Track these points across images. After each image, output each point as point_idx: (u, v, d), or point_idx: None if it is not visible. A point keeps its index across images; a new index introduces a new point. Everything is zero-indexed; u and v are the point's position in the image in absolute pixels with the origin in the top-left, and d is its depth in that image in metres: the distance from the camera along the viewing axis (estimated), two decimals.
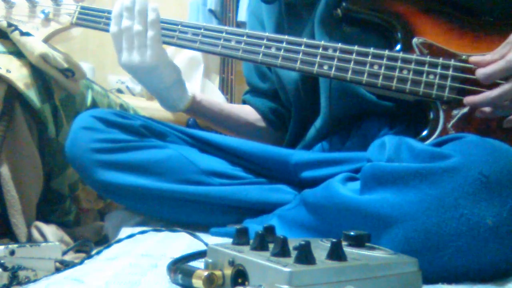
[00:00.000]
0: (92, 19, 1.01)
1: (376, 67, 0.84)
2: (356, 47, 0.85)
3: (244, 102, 1.19)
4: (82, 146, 0.89)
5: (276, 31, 0.90)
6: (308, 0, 0.97)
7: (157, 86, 0.97)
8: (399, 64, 0.83)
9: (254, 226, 0.78)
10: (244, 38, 0.92)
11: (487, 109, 0.78)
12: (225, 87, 2.20)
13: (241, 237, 0.48)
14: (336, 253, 0.42)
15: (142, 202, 0.91)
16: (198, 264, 0.52)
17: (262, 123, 1.15)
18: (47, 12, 1.05)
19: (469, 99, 0.78)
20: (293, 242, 0.43)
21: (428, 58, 0.82)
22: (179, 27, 0.96)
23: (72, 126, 0.92)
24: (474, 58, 0.79)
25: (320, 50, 0.87)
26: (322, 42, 0.87)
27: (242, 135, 1.09)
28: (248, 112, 1.14)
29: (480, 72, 0.77)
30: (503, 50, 0.76)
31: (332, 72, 0.86)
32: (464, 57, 0.82)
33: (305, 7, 0.98)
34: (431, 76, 0.82)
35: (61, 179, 1.09)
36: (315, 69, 0.87)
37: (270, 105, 1.13)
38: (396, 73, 0.83)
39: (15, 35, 1.01)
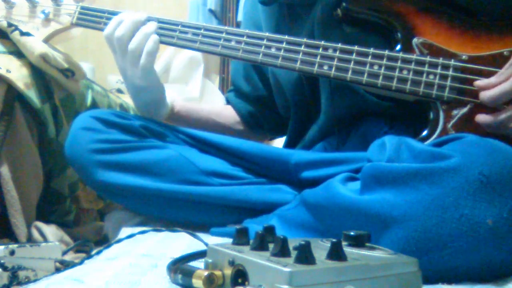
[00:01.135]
0: (92, 19, 1.01)
1: (376, 67, 0.84)
2: (356, 47, 0.85)
3: (227, 99, 1.21)
4: (81, 146, 0.89)
5: (274, 32, 0.90)
6: (306, 1, 0.97)
7: (138, 98, 1.01)
8: (399, 64, 0.83)
9: (254, 226, 0.78)
10: (244, 38, 0.92)
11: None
12: (225, 87, 2.20)
13: (241, 237, 0.48)
14: (336, 253, 0.42)
15: (142, 203, 0.91)
16: (198, 264, 0.52)
17: (240, 126, 1.16)
18: (47, 12, 1.05)
19: (480, 117, 0.78)
20: (293, 242, 0.43)
21: (428, 58, 0.82)
22: (179, 27, 0.96)
23: (71, 126, 0.92)
24: (479, 83, 0.78)
25: (320, 50, 0.87)
26: (322, 42, 0.87)
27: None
28: (227, 115, 1.16)
29: (486, 96, 0.76)
30: (507, 72, 0.76)
31: (332, 72, 0.86)
32: (464, 57, 0.82)
33: (303, 7, 0.98)
34: (431, 76, 0.82)
35: (61, 179, 1.09)
36: (315, 69, 0.87)
37: (250, 109, 1.14)
38: (396, 73, 0.83)
39: (15, 35, 1.01)
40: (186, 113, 1.08)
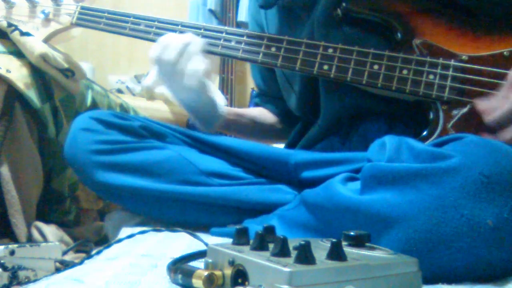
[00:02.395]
0: (92, 19, 1.01)
1: (376, 67, 0.84)
2: (356, 48, 0.85)
3: (256, 104, 1.22)
4: (81, 147, 0.89)
5: (277, 34, 0.91)
6: (306, 2, 0.97)
7: (193, 114, 1.03)
8: (399, 64, 0.83)
9: (254, 226, 0.78)
10: (244, 38, 0.92)
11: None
12: (225, 87, 2.20)
13: (241, 237, 0.48)
14: (336, 253, 0.42)
15: (142, 203, 0.91)
16: (198, 264, 0.52)
17: (280, 125, 1.18)
18: (47, 12, 1.05)
19: (490, 118, 0.78)
20: (293, 242, 0.43)
21: (428, 59, 0.82)
22: (179, 27, 0.96)
23: (71, 127, 0.92)
24: (480, 106, 0.79)
25: (320, 50, 0.87)
26: (322, 42, 0.87)
27: (266, 140, 1.14)
28: (267, 116, 1.18)
29: (490, 120, 0.77)
30: (506, 93, 0.76)
31: (332, 72, 0.86)
32: (464, 57, 0.82)
33: (303, 9, 0.98)
34: (431, 77, 0.82)
35: (61, 179, 1.09)
36: (315, 69, 0.87)
37: (280, 108, 1.16)
38: (396, 74, 0.83)
39: (15, 35, 1.01)
40: (237, 119, 1.11)
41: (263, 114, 1.18)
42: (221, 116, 1.05)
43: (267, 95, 1.18)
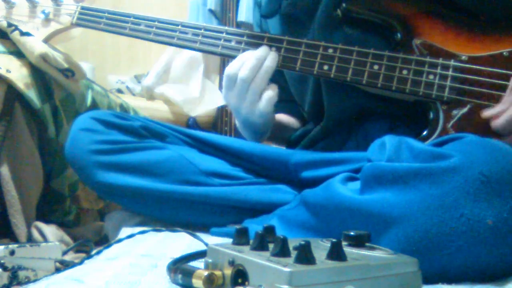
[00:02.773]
0: (92, 19, 1.01)
1: (376, 67, 0.84)
2: (356, 48, 0.85)
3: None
4: (81, 147, 0.89)
5: None
6: (308, 8, 0.97)
7: (246, 129, 1.00)
8: (399, 64, 0.83)
9: (254, 226, 0.78)
10: (244, 38, 0.92)
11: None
12: None
13: (241, 237, 0.48)
14: (336, 253, 0.42)
15: (142, 203, 0.91)
16: (198, 264, 0.52)
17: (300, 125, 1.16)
18: (47, 12, 1.05)
19: (495, 124, 0.78)
20: (293, 242, 0.43)
21: (428, 59, 0.82)
22: (179, 27, 0.96)
23: (71, 128, 0.92)
24: (486, 113, 0.79)
25: (320, 51, 0.87)
26: (322, 43, 0.87)
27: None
28: (292, 120, 1.16)
29: (496, 125, 0.77)
30: (510, 98, 0.77)
31: (332, 72, 0.86)
32: (464, 57, 0.82)
33: (305, 15, 0.98)
34: (431, 77, 0.82)
35: (61, 179, 1.09)
36: (315, 69, 0.87)
37: (296, 109, 1.13)
38: (396, 74, 0.83)
39: (15, 35, 1.01)
40: (276, 128, 1.08)
41: (291, 118, 1.15)
42: (270, 130, 1.03)
43: (284, 99, 1.16)
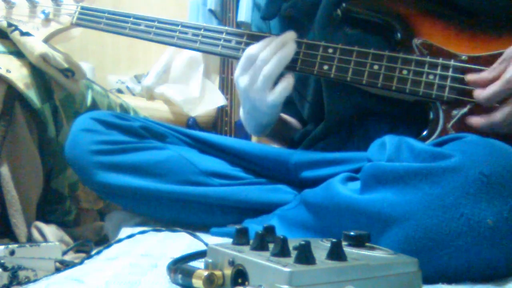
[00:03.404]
0: (92, 19, 1.01)
1: (376, 67, 0.84)
2: (356, 48, 0.85)
3: None
4: (81, 148, 0.89)
5: None
6: (307, 9, 0.97)
7: (252, 121, 0.97)
8: (399, 64, 0.83)
9: (254, 226, 0.78)
10: (244, 38, 0.92)
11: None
12: (225, 87, 2.20)
13: (241, 237, 0.48)
14: (336, 253, 0.42)
15: (142, 204, 0.91)
16: (198, 264, 0.52)
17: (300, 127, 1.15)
18: (47, 12, 1.05)
19: (485, 93, 0.76)
20: (293, 242, 0.43)
21: (428, 59, 0.82)
22: (179, 27, 0.96)
23: (71, 128, 0.92)
24: (470, 77, 0.78)
25: (320, 51, 0.87)
26: (322, 43, 0.87)
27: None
28: (294, 120, 1.15)
29: (481, 96, 0.76)
30: (500, 67, 0.75)
31: (332, 72, 0.86)
32: (463, 57, 0.82)
33: (305, 17, 0.98)
34: (431, 77, 0.82)
35: (61, 179, 1.09)
36: (316, 69, 0.87)
37: (297, 112, 1.12)
38: (396, 74, 0.83)
39: (15, 35, 1.01)
40: (279, 125, 1.06)
41: (289, 118, 1.14)
42: (276, 120, 1.00)
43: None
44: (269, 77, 0.85)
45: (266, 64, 0.85)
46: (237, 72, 0.90)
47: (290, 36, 0.88)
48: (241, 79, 0.89)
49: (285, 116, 1.11)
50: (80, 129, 0.90)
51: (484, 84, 0.76)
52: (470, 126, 0.78)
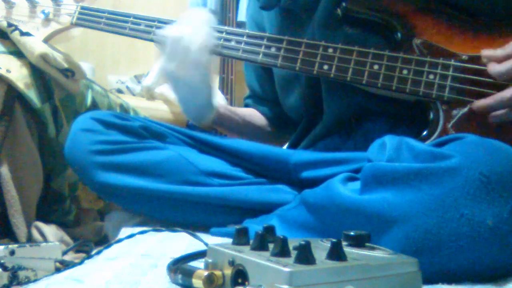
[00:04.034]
0: (92, 19, 1.01)
1: (376, 67, 0.84)
2: (356, 47, 0.85)
3: (246, 105, 1.20)
4: (81, 148, 0.89)
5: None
6: (307, 3, 0.97)
7: (187, 102, 0.99)
8: (399, 64, 0.83)
9: (254, 226, 0.78)
10: (244, 38, 0.92)
11: (501, 112, 0.77)
12: (225, 87, 2.20)
13: (241, 237, 0.48)
14: (336, 253, 0.42)
15: (142, 204, 0.91)
16: (198, 264, 0.52)
17: (269, 128, 1.17)
18: (47, 12, 1.05)
19: (479, 103, 0.78)
20: (293, 242, 0.43)
21: (428, 58, 0.82)
22: None
23: (71, 128, 0.92)
24: (486, 52, 0.79)
25: (320, 51, 0.87)
26: (322, 42, 0.87)
27: (254, 140, 1.11)
28: (259, 117, 1.17)
29: (495, 70, 0.76)
30: None
31: (332, 72, 0.86)
32: (464, 57, 0.82)
33: (304, 10, 0.98)
34: (431, 76, 0.82)
35: (61, 179, 1.09)
36: (315, 69, 0.87)
37: (272, 111, 1.15)
38: (396, 73, 0.83)
39: (15, 35, 1.01)
40: (229, 115, 1.08)
41: (254, 115, 1.17)
42: (215, 108, 1.02)
43: (261, 97, 1.17)
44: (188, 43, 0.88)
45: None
46: (164, 63, 0.92)
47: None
48: (167, 62, 0.92)
49: (247, 112, 1.13)
50: (80, 129, 0.90)
51: (498, 60, 0.77)
52: (471, 125, 0.78)
